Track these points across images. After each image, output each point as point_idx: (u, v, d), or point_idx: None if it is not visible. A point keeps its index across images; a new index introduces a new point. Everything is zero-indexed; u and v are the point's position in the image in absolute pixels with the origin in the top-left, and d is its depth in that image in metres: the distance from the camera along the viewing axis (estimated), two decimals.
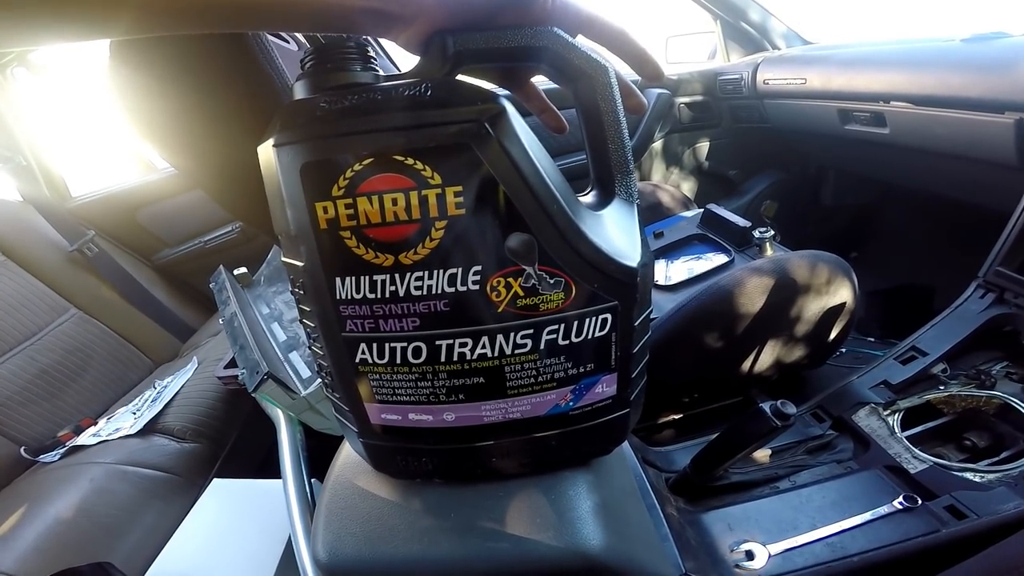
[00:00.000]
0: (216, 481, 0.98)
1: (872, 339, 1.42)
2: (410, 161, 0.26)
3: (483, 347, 0.31)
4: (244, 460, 1.25)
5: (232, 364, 1.09)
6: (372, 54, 0.30)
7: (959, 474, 0.75)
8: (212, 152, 0.48)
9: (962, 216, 1.47)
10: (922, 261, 1.65)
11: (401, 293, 0.28)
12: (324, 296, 0.29)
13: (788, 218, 1.82)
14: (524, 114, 0.49)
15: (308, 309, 0.31)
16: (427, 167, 0.26)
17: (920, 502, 0.70)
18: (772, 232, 1.07)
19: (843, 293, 0.93)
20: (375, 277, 0.28)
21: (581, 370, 0.34)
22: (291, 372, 0.75)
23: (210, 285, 1.00)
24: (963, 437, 0.84)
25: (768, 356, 0.98)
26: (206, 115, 0.46)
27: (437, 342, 0.30)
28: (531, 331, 0.31)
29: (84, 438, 1.20)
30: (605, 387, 0.36)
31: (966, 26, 1.19)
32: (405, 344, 0.30)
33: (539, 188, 0.27)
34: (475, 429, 0.35)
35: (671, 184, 1.88)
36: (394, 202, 0.26)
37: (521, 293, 0.29)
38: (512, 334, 0.30)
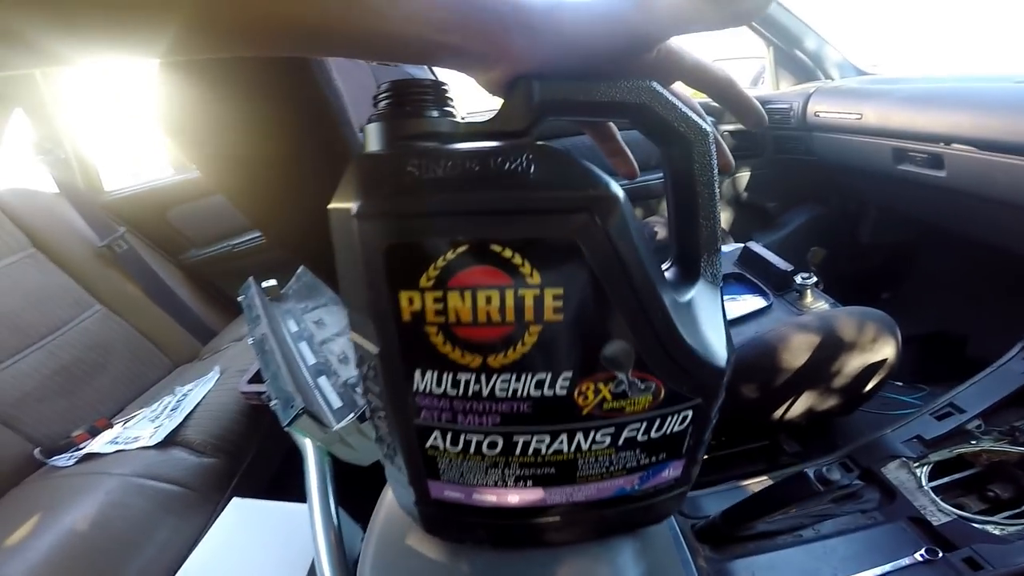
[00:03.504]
0: (235, 500, 0.96)
1: (900, 384, 1.38)
2: (508, 253, 0.23)
3: (560, 443, 0.29)
4: (260, 476, 1.23)
5: (256, 379, 1.08)
6: (450, 95, 0.27)
7: (980, 527, 0.75)
8: (248, 167, 0.46)
9: (1010, 267, 1.41)
10: (957, 308, 1.60)
11: (485, 394, 0.26)
12: (399, 385, 0.28)
13: (824, 256, 1.78)
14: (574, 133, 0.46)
15: (377, 390, 0.30)
16: (525, 262, 0.23)
17: (940, 554, 0.71)
18: (815, 279, 1.04)
19: (886, 350, 0.91)
20: (459, 376, 0.26)
21: (653, 460, 0.32)
22: (322, 401, 0.74)
23: (239, 299, 0.99)
24: (987, 488, 0.83)
25: (801, 405, 0.96)
26: (251, 130, 0.44)
27: (515, 438, 0.28)
28: (612, 430, 0.29)
29: (100, 445, 1.18)
30: (672, 471, 0.34)
31: None
32: (482, 437, 0.29)
33: (645, 294, 0.25)
34: (535, 509, 0.33)
35: None
36: (488, 300, 0.24)
37: (609, 398, 0.27)
38: (592, 432, 0.29)
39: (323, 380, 0.80)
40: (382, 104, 0.26)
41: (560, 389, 0.26)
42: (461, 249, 0.23)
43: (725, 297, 1.03)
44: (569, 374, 0.26)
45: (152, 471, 1.09)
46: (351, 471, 0.73)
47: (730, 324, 0.99)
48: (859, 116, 1.40)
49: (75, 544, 0.93)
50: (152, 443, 1.14)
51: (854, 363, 0.90)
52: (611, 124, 0.38)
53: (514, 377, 0.26)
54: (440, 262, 0.23)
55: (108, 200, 1.67)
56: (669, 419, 0.30)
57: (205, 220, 1.73)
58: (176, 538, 0.97)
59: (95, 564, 0.91)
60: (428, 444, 0.30)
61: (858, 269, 1.81)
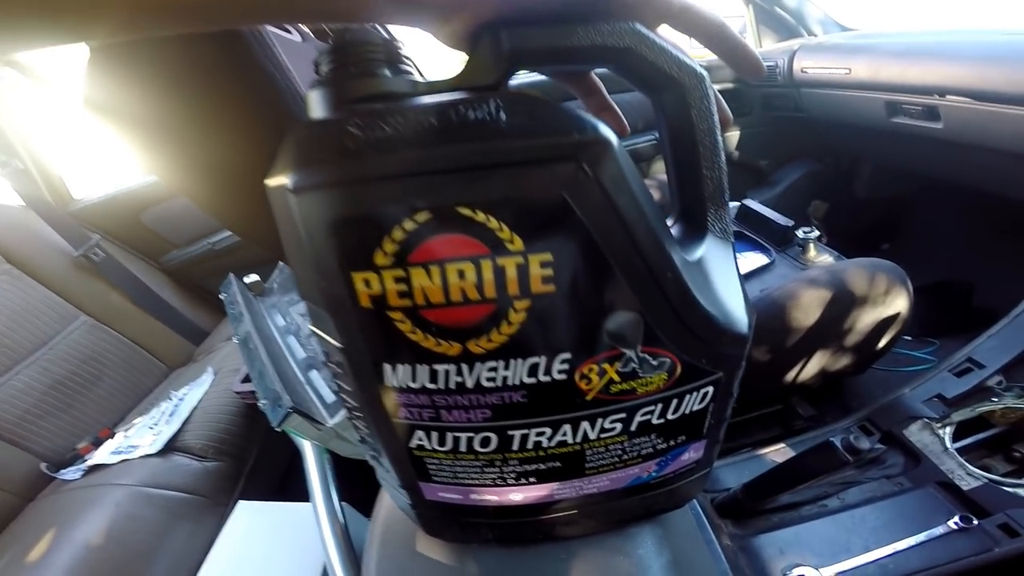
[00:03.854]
0: (241, 503, 0.95)
1: (908, 338, 1.35)
2: (481, 216, 0.19)
3: (563, 435, 0.25)
4: (267, 476, 1.21)
5: (249, 378, 1.05)
6: (404, 51, 0.23)
7: (1012, 491, 0.72)
8: (202, 162, 0.43)
9: (1011, 215, 1.39)
10: (960, 258, 1.58)
11: (470, 385, 0.22)
12: (369, 382, 0.24)
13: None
14: (568, 98, 0.43)
15: (349, 389, 0.26)
16: (503, 225, 0.19)
17: (975, 522, 0.68)
18: (817, 233, 1.00)
19: (899, 303, 0.87)
20: (436, 367, 0.22)
21: (672, 443, 0.28)
22: (314, 397, 0.70)
23: (221, 296, 0.95)
24: (1013, 448, 0.80)
25: (814, 366, 0.93)
26: (196, 122, 0.41)
27: (510, 432, 0.25)
28: (623, 415, 0.25)
29: (103, 454, 1.16)
30: (693, 454, 0.31)
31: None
32: (472, 434, 0.25)
33: (652, 253, 0.20)
34: (542, 506, 0.30)
35: None
36: (460, 275, 0.20)
37: (617, 379, 0.23)
38: (600, 420, 0.25)
39: (314, 374, 0.76)
40: (324, 67, 0.22)
41: (558, 373, 0.22)
42: (421, 217, 0.19)
43: None
44: (568, 355, 0.22)
45: (157, 480, 1.07)
46: (355, 463, 0.70)
47: None
48: (847, 71, 1.38)
49: (93, 559, 0.93)
50: (153, 451, 1.13)
51: (867, 318, 0.86)
52: (595, 77, 0.34)
53: (502, 364, 0.22)
54: (397, 234, 0.19)
55: (78, 208, 1.61)
56: (687, 398, 0.26)
57: (181, 220, 1.67)
58: (193, 544, 0.96)
59: None
60: (412, 445, 0.26)
61: (856, 223, 1.78)
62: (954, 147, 1.22)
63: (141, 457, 1.13)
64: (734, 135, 1.80)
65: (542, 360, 0.22)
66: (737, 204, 1.21)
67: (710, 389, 0.26)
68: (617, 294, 0.21)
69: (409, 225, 0.19)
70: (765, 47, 1.73)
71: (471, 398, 0.23)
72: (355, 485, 0.67)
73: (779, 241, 1.07)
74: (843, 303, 0.83)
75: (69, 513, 1.04)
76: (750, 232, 1.13)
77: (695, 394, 0.26)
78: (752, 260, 1.06)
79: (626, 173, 0.19)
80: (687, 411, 0.27)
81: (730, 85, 1.73)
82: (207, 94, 0.40)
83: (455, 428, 0.25)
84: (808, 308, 0.82)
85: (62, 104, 1.62)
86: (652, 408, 0.25)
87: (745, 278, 1.00)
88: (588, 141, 0.19)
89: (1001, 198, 1.30)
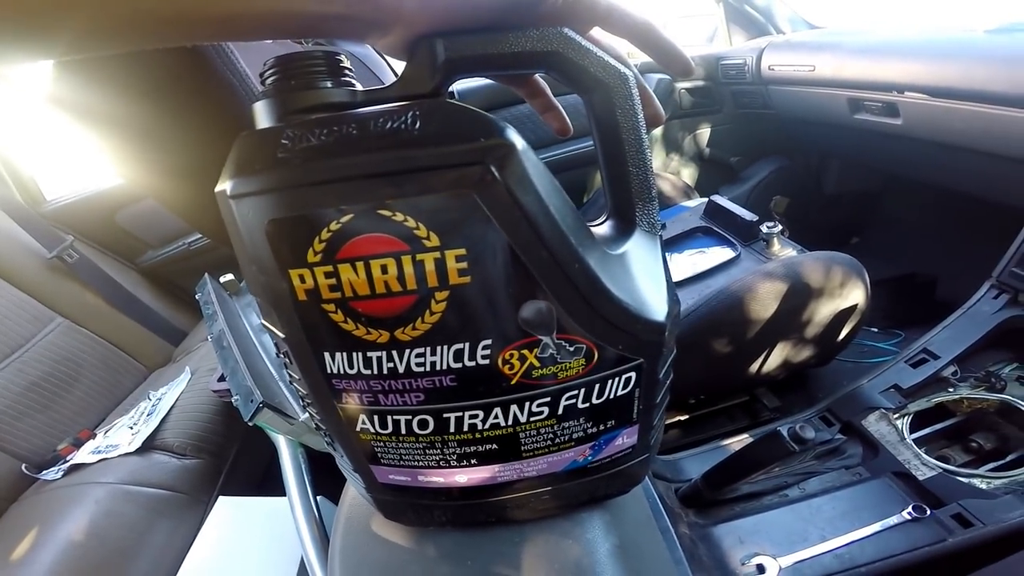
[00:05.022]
0: (222, 499, 0.96)
1: (875, 329, 1.40)
2: (399, 216, 0.21)
3: (495, 417, 0.27)
4: (248, 472, 1.22)
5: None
6: (345, 64, 0.25)
7: (966, 481, 0.75)
8: (169, 168, 0.44)
9: (970, 210, 1.44)
10: (924, 251, 1.63)
11: (401, 370, 0.24)
12: (312, 370, 0.26)
13: (790, 206, 1.79)
14: (513, 102, 0.45)
15: (297, 377, 0.28)
16: (420, 224, 0.21)
17: (929, 512, 0.70)
18: (780, 227, 1.03)
19: (856, 294, 0.90)
20: (369, 354, 0.24)
21: (601, 428, 0.30)
22: (287, 392, 0.72)
23: (196, 296, 0.96)
24: (969, 439, 0.83)
25: (776, 357, 0.96)
26: (159, 125, 0.42)
27: (445, 415, 0.27)
28: (548, 399, 0.27)
29: (83, 454, 1.17)
30: (626, 439, 0.32)
31: (984, 16, 1.14)
32: (410, 417, 0.27)
33: (558, 246, 0.22)
34: (488, 487, 0.32)
35: (671, 171, 1.83)
36: (383, 269, 0.22)
37: (537, 364, 0.25)
38: (527, 403, 0.27)
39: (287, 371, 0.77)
40: (268, 80, 0.24)
41: (482, 359, 0.24)
42: (346, 218, 0.21)
43: (693, 251, 1.01)
44: (488, 341, 0.24)
45: (137, 478, 1.08)
46: (330, 457, 0.72)
47: (700, 277, 0.97)
48: (812, 68, 1.41)
49: (75, 556, 0.93)
50: (131, 449, 1.13)
51: (824, 310, 0.89)
52: (539, 80, 0.35)
53: (429, 350, 0.24)
54: (324, 234, 0.21)
55: (51, 210, 1.59)
56: (610, 383, 0.28)
57: (156, 220, 1.66)
58: (174, 541, 0.97)
59: (98, 574, 0.91)
60: (358, 428, 0.28)
61: (826, 218, 1.83)
62: (913, 143, 1.25)
63: (120, 456, 1.13)
64: (704, 132, 1.83)
65: (466, 346, 0.24)
66: (705, 200, 1.24)
67: (632, 374, 0.28)
68: (528, 284, 0.23)
69: (335, 226, 0.21)
70: (735, 45, 1.76)
71: (404, 382, 0.25)
72: (330, 478, 0.69)
73: (745, 236, 1.10)
74: (800, 295, 0.86)
75: (50, 512, 1.04)
76: (717, 227, 1.16)
77: (617, 379, 0.28)
78: (718, 254, 1.09)
79: (531, 173, 0.21)
80: (612, 396, 0.29)
81: (701, 83, 1.75)
82: (168, 100, 0.41)
83: (393, 411, 0.27)
84: (765, 300, 0.84)
85: (31, 103, 1.60)
86: (576, 392, 0.27)
87: (711, 272, 1.03)
88: (494, 145, 0.21)
89: (961, 194, 1.35)
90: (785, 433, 0.62)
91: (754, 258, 1.03)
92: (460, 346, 0.24)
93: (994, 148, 1.06)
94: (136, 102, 0.40)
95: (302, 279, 0.22)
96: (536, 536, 0.36)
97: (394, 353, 0.24)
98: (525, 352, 0.25)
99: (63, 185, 1.67)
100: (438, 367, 0.24)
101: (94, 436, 1.26)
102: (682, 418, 1.08)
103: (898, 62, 1.19)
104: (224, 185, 0.22)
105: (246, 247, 0.23)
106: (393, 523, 0.38)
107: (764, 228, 1.04)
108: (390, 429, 0.28)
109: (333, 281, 0.22)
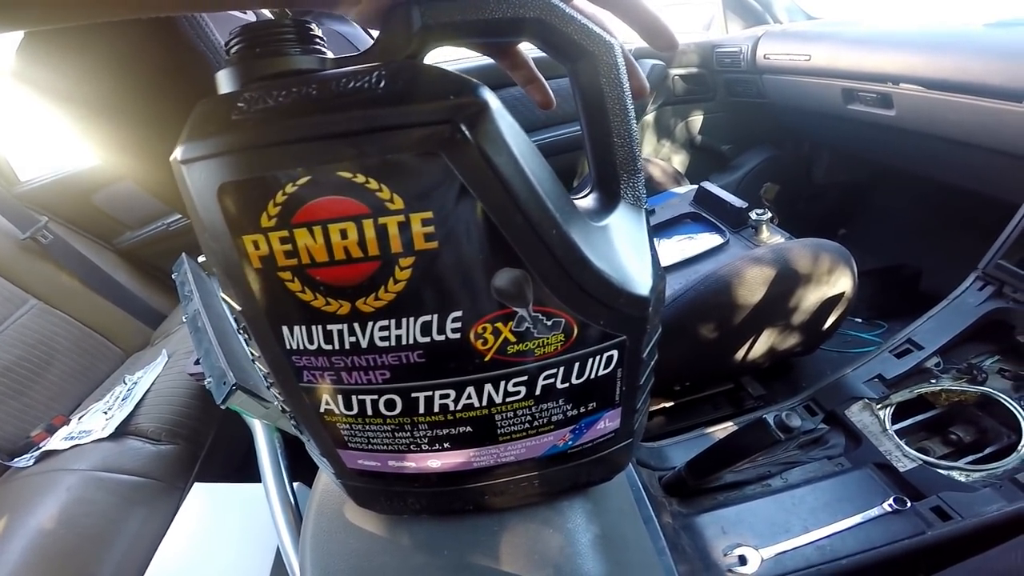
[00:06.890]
0: (197, 486, 0.94)
1: (859, 320, 1.40)
2: (360, 179, 0.19)
3: (468, 398, 0.26)
4: (224, 459, 1.19)
5: None
6: (316, 32, 0.23)
7: (946, 473, 0.75)
8: (142, 147, 0.42)
9: (959, 203, 1.44)
10: (911, 242, 1.63)
11: (364, 344, 0.23)
12: (271, 345, 0.24)
13: (780, 194, 1.79)
14: (505, 85, 0.43)
15: (257, 354, 0.26)
16: (383, 186, 0.19)
17: (909, 504, 0.71)
18: (769, 214, 1.02)
19: (843, 282, 0.90)
20: (329, 327, 0.22)
21: (582, 410, 0.29)
22: (262, 375, 0.70)
23: (172, 276, 0.93)
24: (949, 431, 0.83)
25: (762, 345, 0.95)
26: (130, 100, 0.40)
27: (413, 395, 0.25)
28: (525, 378, 0.25)
29: (56, 441, 1.14)
30: (608, 423, 0.31)
31: (984, 11, 1.13)
32: (376, 397, 0.25)
33: (533, 210, 0.21)
34: (464, 474, 0.31)
35: (662, 158, 1.82)
36: (343, 234, 0.20)
37: (512, 339, 0.23)
38: (503, 383, 0.25)
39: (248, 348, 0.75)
40: (233, 48, 0.23)
41: (452, 333, 0.23)
42: (303, 180, 0.19)
43: (681, 236, 1.00)
44: (459, 313, 0.22)
45: (109, 464, 1.05)
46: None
47: (688, 262, 0.96)
48: (807, 58, 1.41)
49: (46, 545, 0.91)
50: (105, 435, 1.11)
51: (812, 297, 0.89)
52: (521, 51, 0.34)
53: (394, 323, 0.22)
54: (280, 197, 0.20)
55: (25, 190, 1.54)
56: (591, 361, 0.27)
57: (134, 201, 1.61)
58: (147, 529, 0.95)
59: (69, 563, 0.88)
60: (322, 409, 0.27)
61: (814, 208, 1.82)
62: (906, 134, 1.25)
63: (94, 442, 1.11)
64: (697, 119, 1.82)
65: (434, 318, 0.22)
66: (695, 187, 1.23)
67: (614, 353, 0.27)
68: (501, 251, 0.21)
69: (291, 188, 0.20)
70: (732, 33, 1.74)
71: (368, 359, 0.23)
72: (308, 464, 0.67)
73: (734, 222, 1.09)
74: (787, 281, 0.85)
75: (21, 500, 1.02)
76: (706, 213, 1.15)
77: (598, 358, 0.27)
78: (707, 240, 1.08)
79: (505, 133, 0.20)
80: (592, 376, 0.27)
81: (695, 70, 1.74)
82: (136, 75, 0.40)
83: (358, 391, 0.25)
84: (752, 285, 0.84)
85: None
86: (555, 371, 0.26)
87: (699, 258, 1.02)
88: (465, 103, 0.19)
89: (951, 186, 1.35)
90: (771, 421, 0.61)
91: (742, 244, 1.02)
92: (428, 318, 0.22)
93: (987, 141, 1.06)
94: (101, 79, 0.39)
95: (256, 245, 0.21)
96: (515, 525, 0.35)
97: (356, 326, 0.22)
98: (499, 326, 0.23)
99: (39, 166, 1.62)
100: (404, 341, 0.23)
101: (68, 422, 1.23)
102: (667, 405, 1.07)
103: (895, 53, 1.18)
104: (176, 152, 0.21)
105: (199, 214, 0.21)
106: (365, 513, 0.36)
107: (753, 215, 1.04)
108: (355, 410, 0.26)
109: (289, 247, 0.20)
